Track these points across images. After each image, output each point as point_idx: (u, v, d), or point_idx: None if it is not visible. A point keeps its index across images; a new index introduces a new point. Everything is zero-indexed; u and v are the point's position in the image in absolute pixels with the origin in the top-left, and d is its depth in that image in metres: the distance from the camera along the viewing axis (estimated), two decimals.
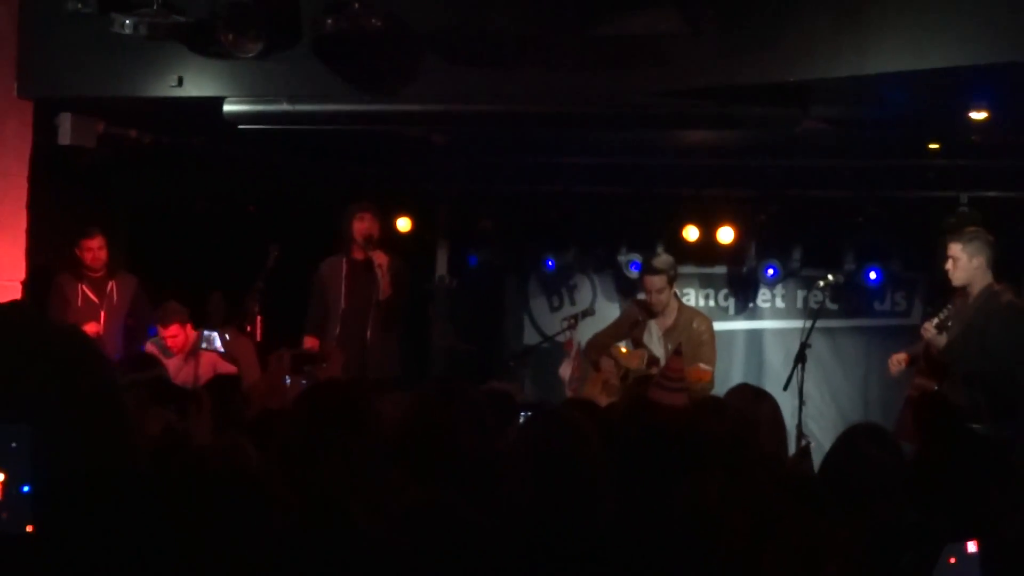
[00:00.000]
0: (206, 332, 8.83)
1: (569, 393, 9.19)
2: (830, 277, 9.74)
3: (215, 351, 8.74)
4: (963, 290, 7.94)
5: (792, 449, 6.67)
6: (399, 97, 7.29)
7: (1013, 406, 7.29)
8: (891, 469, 4.09)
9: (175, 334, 9.04)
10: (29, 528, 2.14)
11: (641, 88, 6.74)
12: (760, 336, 11.50)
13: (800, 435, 8.42)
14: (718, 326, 9.69)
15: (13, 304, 2.58)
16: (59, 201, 8.91)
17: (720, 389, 7.53)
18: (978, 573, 2.33)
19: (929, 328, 7.88)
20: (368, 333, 8.85)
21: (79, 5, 7.10)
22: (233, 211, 10.43)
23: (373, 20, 6.49)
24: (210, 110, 7.66)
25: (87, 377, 2.27)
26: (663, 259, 9.27)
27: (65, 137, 8.20)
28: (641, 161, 10.46)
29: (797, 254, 10.89)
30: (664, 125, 7.69)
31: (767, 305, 11.54)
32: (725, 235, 10.83)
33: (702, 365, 8.68)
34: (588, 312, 10.36)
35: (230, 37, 6.78)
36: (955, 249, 7.81)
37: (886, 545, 3.51)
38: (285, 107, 7.58)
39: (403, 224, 11.18)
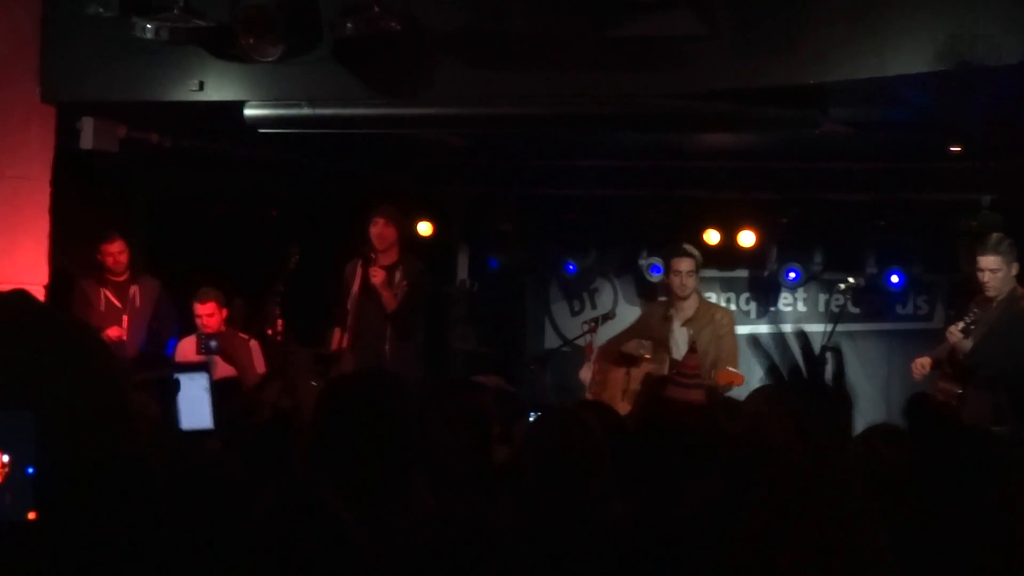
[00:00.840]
0: (202, 336, 8.92)
1: (589, 396, 9.18)
2: (851, 280, 9.74)
3: (213, 353, 8.83)
4: (985, 294, 7.95)
5: None
6: (418, 100, 7.30)
7: None
8: (907, 469, 4.08)
9: (211, 312, 9.16)
10: (31, 515, 2.15)
11: (659, 90, 6.73)
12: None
13: None
14: (739, 330, 9.68)
15: (15, 292, 2.58)
16: (81, 205, 8.96)
17: (742, 393, 7.51)
18: None
19: (955, 332, 7.88)
20: (386, 344, 8.87)
21: (100, 9, 7.12)
22: (254, 214, 10.46)
23: (392, 23, 6.49)
24: (231, 114, 7.68)
25: (88, 363, 2.28)
26: (692, 247, 9.31)
27: (87, 141, 8.24)
28: (661, 164, 10.45)
29: (818, 257, 10.85)
30: (683, 127, 7.68)
31: (789, 309, 11.51)
32: (746, 238, 10.80)
33: (731, 368, 8.68)
34: (608, 315, 10.36)
35: (250, 41, 6.79)
36: (993, 261, 7.83)
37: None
38: (305, 111, 7.59)
39: (424, 228, 11.20)
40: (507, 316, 12.15)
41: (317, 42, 6.79)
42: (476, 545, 2.96)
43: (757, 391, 5.92)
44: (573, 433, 3.68)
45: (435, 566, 2.95)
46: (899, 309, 11.22)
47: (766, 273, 11.09)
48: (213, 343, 8.92)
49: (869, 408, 10.84)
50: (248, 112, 7.70)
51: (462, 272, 12.03)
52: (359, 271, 9.04)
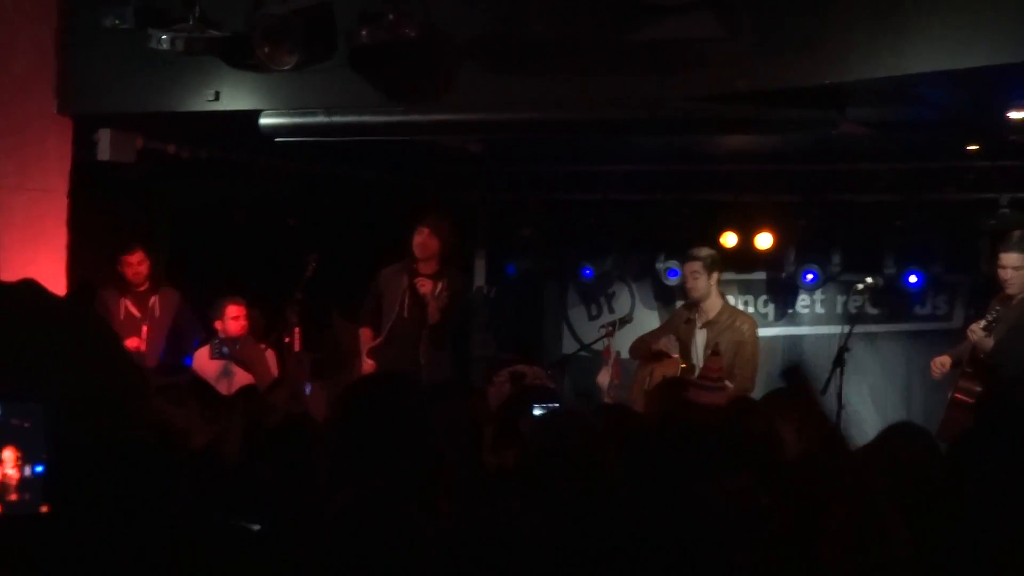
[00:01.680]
0: (215, 341, 8.96)
1: (608, 400, 9.18)
2: (869, 280, 9.72)
3: (225, 358, 8.86)
4: (1006, 292, 7.94)
5: None
6: (435, 106, 7.30)
7: None
8: (927, 468, 4.08)
9: (236, 315, 9.20)
10: (44, 508, 2.14)
11: (678, 93, 6.72)
12: (800, 342, 11.45)
13: None
14: (760, 333, 9.66)
15: (23, 282, 2.57)
16: (99, 216, 8.97)
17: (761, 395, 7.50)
18: None
19: (976, 330, 7.87)
20: (420, 351, 8.86)
21: (117, 21, 7.14)
22: (272, 222, 10.48)
23: (408, 30, 6.48)
24: (248, 123, 7.69)
25: (99, 350, 2.26)
26: (701, 248, 9.34)
27: (104, 153, 8.26)
28: (678, 167, 10.46)
29: (836, 259, 10.82)
30: (701, 130, 7.68)
31: (807, 311, 11.49)
32: (764, 241, 10.79)
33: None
34: (626, 319, 10.36)
35: (266, 50, 6.78)
36: (1016, 259, 7.83)
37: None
38: (322, 119, 7.59)
39: None
40: (525, 322, 12.15)
41: (333, 50, 6.77)
42: (488, 549, 2.96)
43: (770, 395, 5.92)
44: (575, 435, 3.69)
45: (451, 570, 2.95)
46: (918, 309, 11.18)
47: (784, 275, 11.07)
48: (225, 348, 8.94)
49: (890, 409, 10.83)
50: (264, 121, 7.72)
51: (480, 278, 12.04)
52: (405, 280, 8.99)
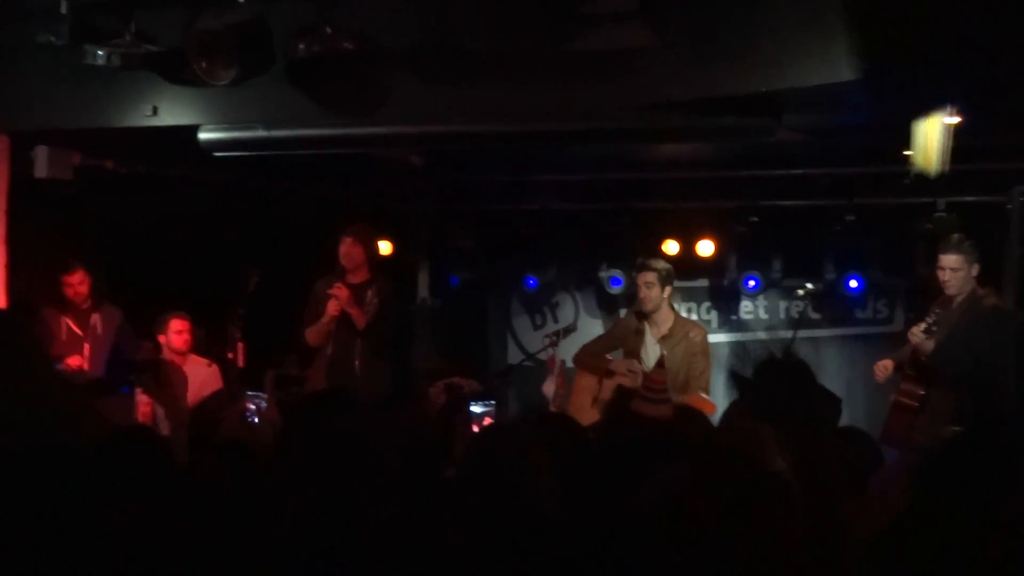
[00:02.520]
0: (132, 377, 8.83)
1: (553, 410, 9.18)
2: (809, 286, 9.80)
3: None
4: (946, 295, 8.01)
5: None
6: (374, 119, 7.28)
7: (998, 408, 7.32)
8: (868, 470, 4.13)
9: (180, 329, 9.30)
10: None
11: (613, 103, 6.74)
12: (744, 348, 11.52)
13: None
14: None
15: None
16: (38, 233, 8.90)
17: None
18: None
19: (917, 333, 7.93)
20: (356, 361, 8.85)
21: (51, 38, 7.08)
22: (212, 237, 10.43)
23: (345, 43, 6.47)
24: (186, 138, 7.66)
25: (17, 359, 2.26)
26: (658, 260, 9.30)
27: (42, 170, 8.19)
28: (618, 176, 10.48)
29: (778, 264, 10.91)
30: (639, 139, 7.70)
31: (750, 316, 11.57)
32: (705, 248, 10.85)
33: (703, 395, 8.66)
34: (570, 329, 10.39)
35: (203, 65, 6.74)
36: (955, 260, 7.89)
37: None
38: (260, 133, 7.57)
39: (384, 247, 11.19)
40: (469, 332, 12.16)
41: (270, 64, 6.74)
42: (427, 554, 2.99)
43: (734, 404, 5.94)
44: (509, 448, 3.73)
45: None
46: (859, 313, 11.30)
47: (726, 282, 11.14)
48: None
49: None
50: (203, 136, 7.68)
51: (423, 290, 12.05)
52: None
